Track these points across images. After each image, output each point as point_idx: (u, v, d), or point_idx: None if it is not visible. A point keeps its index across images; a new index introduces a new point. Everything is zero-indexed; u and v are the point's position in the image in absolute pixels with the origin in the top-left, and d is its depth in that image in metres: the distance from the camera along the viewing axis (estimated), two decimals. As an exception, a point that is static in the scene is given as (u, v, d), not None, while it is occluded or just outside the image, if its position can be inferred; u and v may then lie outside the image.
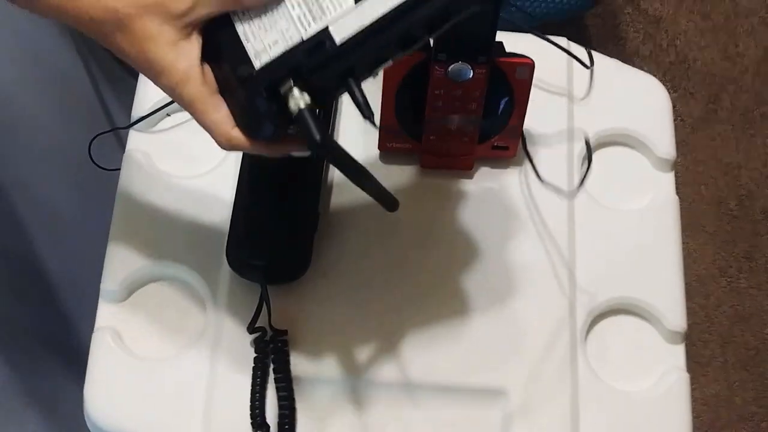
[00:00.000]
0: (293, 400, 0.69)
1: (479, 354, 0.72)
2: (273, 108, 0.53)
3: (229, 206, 0.74)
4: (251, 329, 0.70)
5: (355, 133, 0.79)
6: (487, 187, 0.78)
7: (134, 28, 0.53)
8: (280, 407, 0.69)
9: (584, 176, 0.70)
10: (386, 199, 0.56)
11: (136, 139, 0.80)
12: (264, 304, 0.69)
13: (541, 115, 0.79)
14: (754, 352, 1.44)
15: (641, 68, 0.87)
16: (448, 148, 0.75)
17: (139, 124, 0.79)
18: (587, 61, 0.83)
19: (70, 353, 0.94)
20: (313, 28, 0.52)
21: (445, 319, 0.73)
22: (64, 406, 0.89)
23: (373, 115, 0.53)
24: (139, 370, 0.71)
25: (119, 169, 0.78)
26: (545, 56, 0.78)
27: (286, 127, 0.54)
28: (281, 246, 0.71)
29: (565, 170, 0.78)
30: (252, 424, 0.68)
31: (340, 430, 0.69)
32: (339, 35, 0.52)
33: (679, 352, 0.74)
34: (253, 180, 0.73)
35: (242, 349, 0.71)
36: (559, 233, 0.76)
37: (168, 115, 0.80)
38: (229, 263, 0.72)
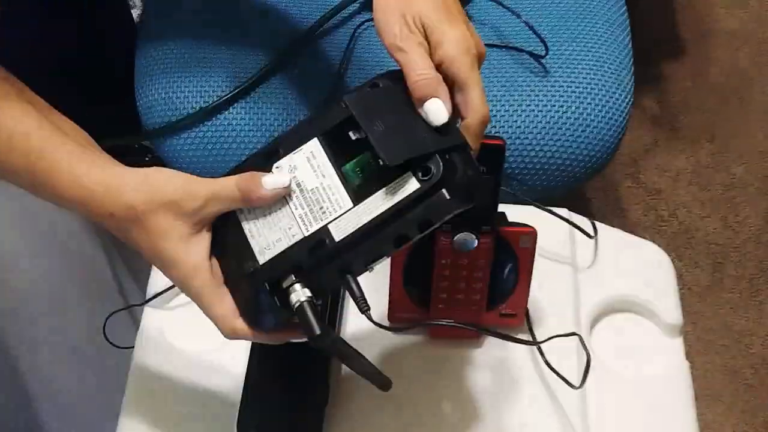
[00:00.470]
0: None
1: None
2: (275, 301, 0.56)
3: (240, 380, 0.74)
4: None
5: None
6: (497, 356, 0.78)
7: (149, 224, 0.56)
8: None
9: (586, 372, 0.72)
10: (379, 381, 0.59)
11: (150, 316, 0.81)
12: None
13: (546, 282, 0.80)
14: None
15: (644, 238, 0.89)
16: (456, 317, 0.76)
17: (153, 300, 0.81)
18: (590, 231, 0.85)
19: None
20: (314, 227, 0.55)
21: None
22: None
23: (369, 309, 0.56)
24: None
25: (132, 347, 0.79)
26: (548, 227, 0.81)
27: (287, 318, 0.56)
28: (291, 421, 0.71)
29: (573, 348, 0.78)
30: None
31: None
32: (338, 233, 0.55)
33: None
34: (263, 355, 0.74)
35: None
36: (570, 405, 0.76)
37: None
38: (240, 438, 0.71)
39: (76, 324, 0.96)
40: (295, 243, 0.55)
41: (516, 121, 0.94)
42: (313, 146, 0.57)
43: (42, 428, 0.89)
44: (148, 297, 0.82)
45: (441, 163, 0.54)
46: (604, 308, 0.82)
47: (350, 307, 0.80)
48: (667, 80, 1.76)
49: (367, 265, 0.56)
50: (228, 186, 0.57)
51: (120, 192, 0.57)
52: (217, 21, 1.02)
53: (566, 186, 0.97)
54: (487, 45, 0.99)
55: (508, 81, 0.97)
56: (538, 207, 0.84)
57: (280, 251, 0.56)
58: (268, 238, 0.56)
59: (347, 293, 0.55)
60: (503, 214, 0.75)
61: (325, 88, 0.96)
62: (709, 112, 1.72)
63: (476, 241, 0.71)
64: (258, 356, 0.74)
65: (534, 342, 0.76)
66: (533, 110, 0.95)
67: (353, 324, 0.79)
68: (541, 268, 0.76)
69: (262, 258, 0.56)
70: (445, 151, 0.55)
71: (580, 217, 0.87)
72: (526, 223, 0.74)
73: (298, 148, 0.58)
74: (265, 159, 0.58)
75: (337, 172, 0.56)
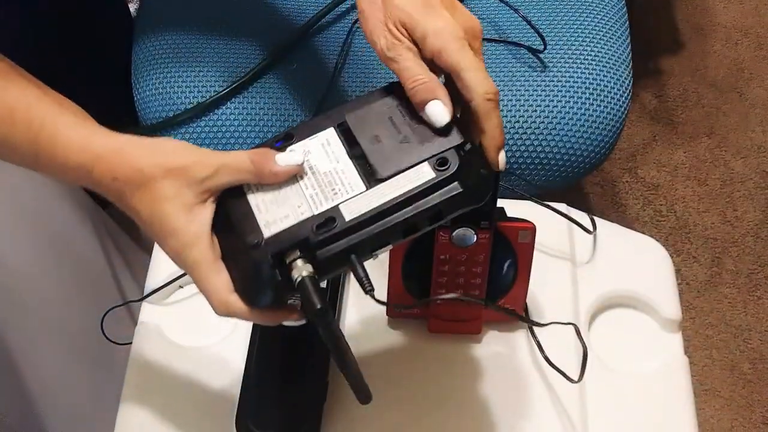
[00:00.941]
0: None
1: None
2: (276, 275, 0.55)
3: (239, 376, 0.74)
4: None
5: (364, 297, 0.80)
6: (496, 351, 0.78)
7: (154, 188, 0.55)
8: None
9: (583, 366, 0.71)
10: (361, 390, 0.58)
11: (148, 312, 0.81)
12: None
13: (545, 278, 0.80)
14: None
15: (642, 233, 0.89)
16: (455, 312, 0.76)
17: (152, 296, 0.81)
18: (589, 226, 0.85)
19: None
20: (324, 206, 0.55)
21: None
22: None
23: (373, 289, 0.55)
24: None
25: (130, 344, 0.79)
26: (547, 222, 0.81)
27: (284, 296, 0.56)
28: (290, 416, 0.71)
29: (572, 343, 0.78)
30: None
31: None
32: (349, 214, 0.55)
33: None
34: (262, 351, 0.74)
35: None
36: (569, 400, 0.76)
37: (181, 287, 0.82)
38: (238, 433, 0.71)
39: (73, 320, 0.96)
40: (304, 219, 0.55)
41: (514, 116, 0.94)
42: (329, 134, 0.58)
43: (39, 423, 0.89)
44: (145, 293, 0.81)
45: (458, 157, 0.55)
46: (603, 303, 0.82)
47: (349, 307, 0.80)
48: (665, 75, 1.76)
49: (373, 251, 0.56)
50: (240, 157, 0.56)
51: (128, 154, 0.56)
52: (214, 17, 1.02)
53: (565, 181, 0.97)
54: (485, 40, 0.99)
55: (506, 76, 0.97)
56: (537, 202, 0.84)
57: (287, 226, 0.55)
58: (275, 214, 0.56)
59: (346, 293, 0.54)
60: (502, 209, 0.75)
61: (322, 84, 0.96)
62: (707, 106, 1.72)
63: (475, 236, 0.71)
64: (257, 352, 0.74)
65: (531, 322, 0.76)
66: (531, 105, 0.95)
67: (352, 323, 0.79)
68: (539, 263, 0.76)
69: (268, 231, 0.55)
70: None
71: (579, 212, 0.87)
72: (524, 218, 0.74)
73: (314, 135, 0.58)
74: (278, 143, 0.58)
75: (351, 160, 0.57)
